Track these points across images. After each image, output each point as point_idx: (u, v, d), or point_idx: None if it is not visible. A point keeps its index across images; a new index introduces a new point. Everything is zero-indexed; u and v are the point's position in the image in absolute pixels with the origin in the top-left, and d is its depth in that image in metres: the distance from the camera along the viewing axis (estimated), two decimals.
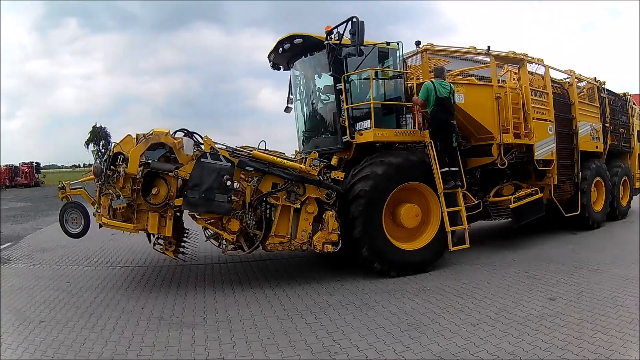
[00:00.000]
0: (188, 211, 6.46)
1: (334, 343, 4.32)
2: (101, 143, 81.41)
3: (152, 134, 6.39)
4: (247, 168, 6.42)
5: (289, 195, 6.55)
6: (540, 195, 9.04)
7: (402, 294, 5.75)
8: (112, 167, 6.28)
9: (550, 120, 9.33)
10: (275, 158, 6.77)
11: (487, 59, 8.87)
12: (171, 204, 6.30)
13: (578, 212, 10.00)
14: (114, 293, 6.53)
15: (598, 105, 11.05)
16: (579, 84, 10.88)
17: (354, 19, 6.84)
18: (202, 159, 6.26)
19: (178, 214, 7.22)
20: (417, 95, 7.58)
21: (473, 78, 9.06)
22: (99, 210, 6.61)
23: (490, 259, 7.83)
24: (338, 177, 6.93)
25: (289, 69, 8.89)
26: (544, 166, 9.39)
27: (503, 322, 4.73)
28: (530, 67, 9.45)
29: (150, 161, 6.32)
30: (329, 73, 7.57)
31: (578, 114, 10.09)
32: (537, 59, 9.38)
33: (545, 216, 9.29)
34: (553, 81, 9.99)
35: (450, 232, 7.23)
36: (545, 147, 9.15)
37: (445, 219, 7.26)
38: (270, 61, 8.81)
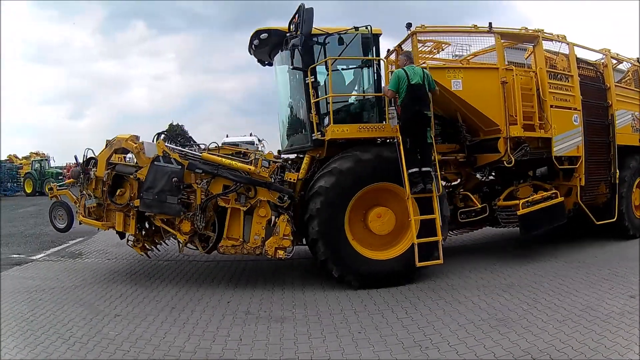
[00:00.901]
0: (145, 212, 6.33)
1: (425, 338, 4.19)
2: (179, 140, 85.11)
3: (115, 140, 6.62)
4: (197, 170, 6.18)
5: (239, 198, 6.16)
6: (560, 199, 7.22)
7: (491, 289, 5.54)
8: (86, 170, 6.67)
9: (575, 109, 7.45)
10: (224, 160, 6.27)
11: (491, 38, 7.14)
12: (131, 204, 6.36)
13: (614, 219, 7.87)
14: (197, 287, 6.24)
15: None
16: (619, 66, 8.70)
17: (301, 6, 6.03)
18: (155, 162, 6.20)
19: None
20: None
21: (475, 61, 7.37)
22: (79, 209, 6.95)
23: (572, 256, 7.33)
24: (290, 179, 6.26)
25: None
26: (569, 164, 7.48)
27: (587, 318, 4.61)
28: (551, 46, 7.55)
29: (116, 164, 6.53)
30: (290, 67, 6.71)
31: (615, 101, 8.05)
32: (559, 36, 7.46)
33: (569, 222, 7.39)
34: (583, 62, 8.02)
35: (417, 244, 5.93)
36: (568, 141, 7.29)
37: (413, 229, 5.94)
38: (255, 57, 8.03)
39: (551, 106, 7.16)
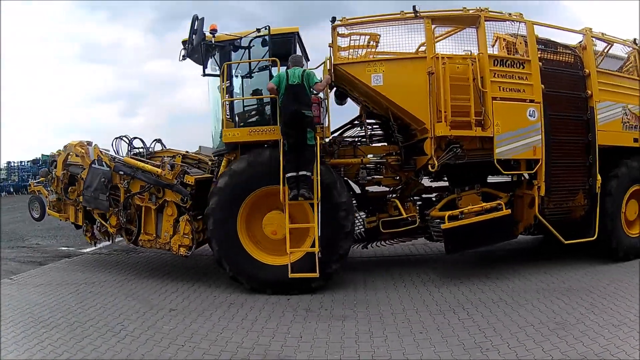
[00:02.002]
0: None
1: (486, 339, 4.01)
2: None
3: (69, 145, 7.26)
4: (120, 172, 6.48)
5: (151, 197, 6.33)
6: (504, 212, 5.68)
7: (550, 292, 5.27)
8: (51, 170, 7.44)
9: (533, 101, 5.75)
10: (138, 163, 6.54)
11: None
12: (78, 199, 6.99)
13: (594, 237, 5.96)
14: None
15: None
16: (618, 52, 6.66)
17: (193, 17, 5.93)
18: (92, 165, 6.70)
19: None
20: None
21: (398, 52, 6.09)
22: (47, 203, 7.77)
23: (628, 262, 6.45)
24: (188, 181, 6.03)
25: None
26: (526, 168, 5.86)
27: None
28: (510, 28, 5.97)
29: (70, 165, 7.20)
30: (202, 74, 6.38)
31: (597, 91, 6.07)
32: (512, 14, 5.84)
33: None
34: (555, 45, 6.23)
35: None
36: (519, 141, 5.69)
37: (287, 237, 5.38)
38: None
39: (494, 98, 5.60)
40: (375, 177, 6.77)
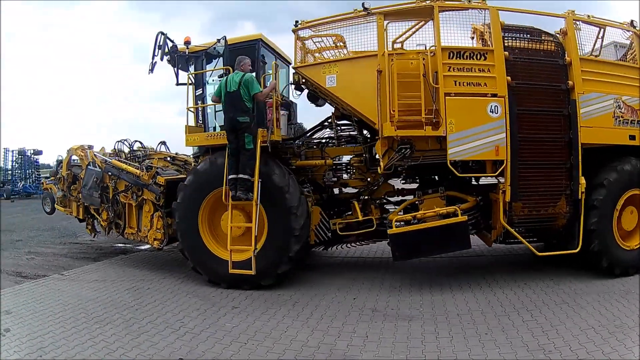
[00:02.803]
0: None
1: (549, 342, 3.90)
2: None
3: (71, 148, 7.85)
4: (109, 173, 6.92)
5: (132, 195, 6.71)
6: (459, 219, 4.99)
7: (610, 295, 5.02)
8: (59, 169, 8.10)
9: (495, 95, 5.00)
10: (122, 165, 6.92)
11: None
12: (79, 196, 7.57)
13: (577, 250, 5.01)
14: (321, 283, 5.70)
15: None
16: (617, 38, 5.57)
17: (157, 34, 6.15)
18: (88, 166, 7.21)
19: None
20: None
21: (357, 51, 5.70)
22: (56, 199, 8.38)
23: None
24: (160, 181, 6.33)
25: None
26: (493, 171, 5.13)
27: None
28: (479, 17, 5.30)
29: (73, 166, 7.78)
30: (175, 83, 6.46)
31: (580, 81, 5.10)
32: (475, 1, 5.15)
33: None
34: (529, 32, 5.37)
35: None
36: (478, 140, 5.01)
37: (229, 236, 5.35)
38: None
39: (448, 94, 4.97)
40: (343, 179, 6.43)
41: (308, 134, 6.73)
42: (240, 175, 5.10)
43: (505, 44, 5.18)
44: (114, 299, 5.17)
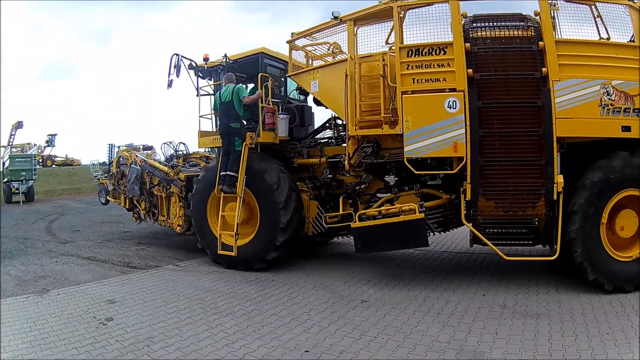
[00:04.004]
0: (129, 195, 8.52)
1: None
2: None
3: (119, 150, 9.55)
4: (146, 170, 7.97)
5: (163, 189, 7.60)
6: (416, 216, 4.82)
7: None
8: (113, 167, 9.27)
9: (454, 89, 4.68)
10: (156, 164, 7.93)
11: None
12: (125, 189, 8.66)
13: (554, 257, 4.40)
14: (451, 278, 5.34)
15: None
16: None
17: (172, 56, 6.75)
18: (131, 165, 8.36)
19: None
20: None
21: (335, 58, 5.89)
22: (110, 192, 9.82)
23: None
24: (181, 177, 7.25)
25: None
26: (449, 168, 4.87)
27: None
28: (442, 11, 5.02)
29: (121, 165, 8.89)
30: (196, 95, 7.26)
31: (556, 67, 4.37)
32: None
33: None
34: (498, 19, 4.82)
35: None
36: (434, 137, 4.78)
37: (219, 222, 6.00)
38: None
39: (404, 92, 4.84)
40: (339, 176, 6.57)
41: (311, 135, 7.04)
42: (228, 172, 5.80)
43: (474, 35, 4.70)
44: (235, 290, 4.95)
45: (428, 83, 4.76)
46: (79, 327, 3.94)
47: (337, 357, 3.27)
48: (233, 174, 5.78)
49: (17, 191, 16.37)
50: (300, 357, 3.28)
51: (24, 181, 16.48)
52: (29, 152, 19.06)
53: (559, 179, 4.30)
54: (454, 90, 4.62)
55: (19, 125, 21.38)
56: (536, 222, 4.51)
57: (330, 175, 6.56)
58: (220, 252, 5.88)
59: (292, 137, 6.76)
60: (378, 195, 6.34)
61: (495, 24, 4.71)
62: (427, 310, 4.23)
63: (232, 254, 5.73)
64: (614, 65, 4.33)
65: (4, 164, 18.24)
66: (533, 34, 4.56)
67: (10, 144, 20.81)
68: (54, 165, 27.93)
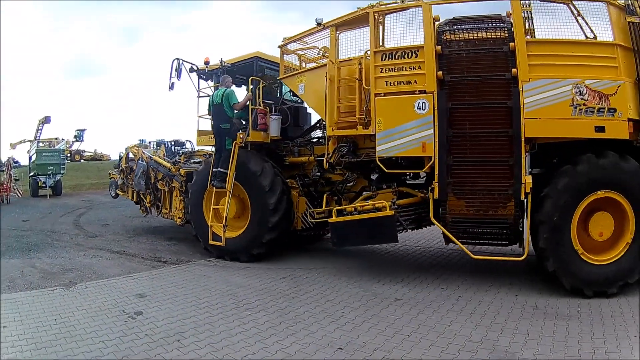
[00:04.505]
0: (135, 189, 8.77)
1: None
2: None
3: (128, 146, 9.42)
4: (151, 166, 8.24)
5: (166, 183, 7.91)
6: (386, 213, 4.84)
7: None
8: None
9: (423, 91, 4.64)
10: (160, 160, 8.17)
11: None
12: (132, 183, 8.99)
13: (522, 258, 4.30)
14: (484, 278, 5.16)
15: (619, 42, 3.98)
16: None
17: (172, 60, 7.00)
18: (138, 161, 8.57)
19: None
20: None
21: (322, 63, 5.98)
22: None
23: None
24: (181, 173, 7.45)
25: None
26: (420, 168, 4.80)
27: None
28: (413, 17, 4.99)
29: (129, 160, 9.12)
30: (197, 96, 7.51)
31: (526, 67, 4.22)
32: (409, 1, 4.84)
33: None
34: (472, 22, 4.72)
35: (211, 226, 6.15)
36: (404, 137, 4.77)
37: (211, 214, 6.18)
38: None
39: (377, 95, 4.86)
40: (326, 173, 6.63)
41: (302, 134, 7.14)
42: (218, 169, 6.04)
43: (447, 38, 4.62)
44: (268, 286, 4.84)
45: (400, 85, 4.74)
46: (107, 320, 3.84)
47: (370, 355, 3.20)
48: (223, 170, 6.02)
49: (43, 185, 16.06)
50: (334, 354, 3.23)
51: (51, 175, 16.18)
52: (56, 147, 18.65)
53: (527, 179, 4.15)
54: (424, 92, 4.58)
55: (46, 120, 20.76)
56: (508, 222, 4.39)
57: (319, 173, 6.66)
58: (210, 242, 6.13)
59: (287, 136, 6.90)
60: (364, 192, 6.39)
61: (469, 26, 4.60)
62: (460, 309, 4.11)
63: (221, 244, 5.96)
64: (589, 64, 4.11)
65: (30, 158, 17.91)
66: (506, 35, 4.42)
67: (37, 138, 20.11)
68: (82, 160, 27.82)
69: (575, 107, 4.05)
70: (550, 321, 3.86)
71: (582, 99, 4.02)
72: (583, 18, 4.41)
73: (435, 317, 3.91)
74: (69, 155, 24.54)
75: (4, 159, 17.76)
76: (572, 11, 4.39)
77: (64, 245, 7.29)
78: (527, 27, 4.76)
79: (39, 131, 20.49)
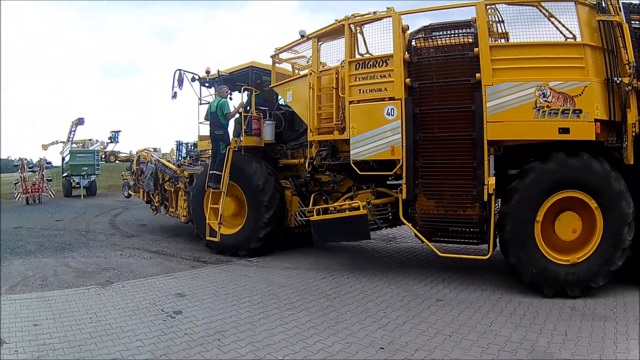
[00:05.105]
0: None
1: None
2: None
3: (139, 150, 9.91)
4: (159, 168, 8.49)
5: (172, 184, 8.19)
6: (358, 212, 4.95)
7: None
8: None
9: (392, 98, 4.69)
10: (167, 163, 8.55)
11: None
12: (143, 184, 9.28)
13: (487, 257, 4.32)
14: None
15: (587, 42, 3.84)
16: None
17: (175, 71, 7.19)
18: (148, 163, 8.87)
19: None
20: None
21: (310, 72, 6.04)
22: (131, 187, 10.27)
23: None
24: (185, 175, 7.76)
25: None
26: (390, 170, 4.82)
27: None
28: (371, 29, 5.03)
29: (140, 163, 9.39)
30: (199, 103, 7.71)
31: (489, 72, 4.17)
32: (378, 13, 4.89)
33: None
34: (442, 29, 4.70)
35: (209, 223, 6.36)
36: (375, 141, 4.85)
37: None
38: None
39: (351, 102, 4.95)
40: (317, 175, 6.74)
41: (295, 138, 7.27)
42: (214, 171, 6.31)
43: (417, 45, 4.61)
44: (309, 286, 4.70)
45: (371, 93, 4.80)
46: (145, 319, 3.72)
47: (412, 355, 3.13)
48: (218, 172, 6.29)
49: (77, 185, 15.89)
50: (375, 353, 3.15)
51: (85, 176, 16.00)
52: (91, 148, 18.28)
53: (491, 181, 4.09)
54: (393, 99, 4.61)
55: (79, 121, 19.69)
56: (474, 222, 4.36)
57: (309, 174, 6.81)
58: (208, 237, 6.41)
59: (282, 140, 7.09)
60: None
61: (439, 33, 4.57)
62: (501, 310, 3.99)
63: (216, 239, 6.23)
64: (554, 66, 3.97)
65: (63, 158, 17.62)
66: (472, 40, 4.35)
67: (70, 139, 19.43)
68: (117, 161, 26.95)
69: (539, 110, 3.94)
70: (587, 322, 3.76)
71: (545, 101, 3.90)
72: (557, 19, 4.27)
73: (476, 317, 3.81)
74: (103, 156, 24.38)
75: (35, 160, 17.69)
76: (542, 13, 4.26)
77: (100, 244, 7.19)
78: (500, 31, 4.69)
79: (72, 132, 19.69)
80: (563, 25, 4.30)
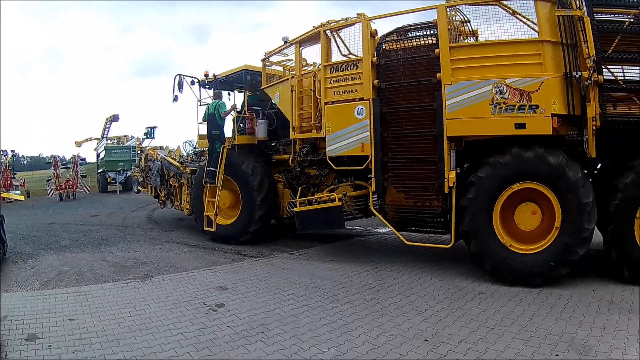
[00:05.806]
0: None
1: None
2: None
3: (147, 148, 10.10)
4: (164, 165, 8.68)
5: (176, 180, 8.38)
6: (334, 204, 5.13)
7: None
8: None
9: (362, 99, 4.79)
10: (171, 160, 8.63)
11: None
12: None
13: (449, 245, 4.42)
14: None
15: (545, 38, 3.78)
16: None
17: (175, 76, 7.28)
18: (154, 161, 9.11)
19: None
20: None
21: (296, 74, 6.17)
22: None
23: None
24: (187, 170, 8.00)
25: None
26: (361, 165, 4.89)
27: None
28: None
29: (148, 160, 9.57)
30: (199, 104, 7.76)
31: (449, 71, 4.19)
32: (350, 19, 4.97)
33: None
34: (409, 32, 4.73)
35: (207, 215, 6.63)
36: (347, 139, 4.98)
37: (209, 206, 6.58)
38: None
39: (327, 103, 5.09)
40: (305, 169, 6.87)
41: (287, 135, 7.39)
42: (210, 168, 6.59)
43: (386, 48, 4.67)
44: (352, 279, 4.54)
45: (344, 94, 4.91)
46: (186, 312, 3.59)
47: (455, 347, 3.05)
48: (213, 169, 6.57)
49: (113, 181, 15.71)
50: (420, 345, 3.07)
51: (121, 172, 15.78)
52: (127, 144, 17.96)
53: (451, 174, 4.15)
54: (362, 99, 4.70)
55: (114, 118, 19.23)
56: (437, 213, 4.44)
57: (299, 169, 6.98)
58: (206, 228, 6.71)
59: (276, 137, 7.19)
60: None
61: (407, 35, 4.59)
62: (542, 303, 3.87)
63: (212, 229, 6.52)
64: (511, 64, 3.92)
65: (98, 155, 17.65)
66: (435, 41, 4.37)
67: (105, 136, 19.03)
68: None
69: (495, 106, 3.93)
70: (625, 316, 3.63)
71: (502, 97, 3.89)
72: (523, 15, 4.20)
73: (517, 310, 3.70)
74: (139, 152, 24.49)
75: (67, 157, 17.19)
76: (506, 10, 4.21)
77: (138, 239, 6.94)
78: (468, 30, 4.67)
79: (107, 129, 19.16)
80: (530, 21, 4.24)
